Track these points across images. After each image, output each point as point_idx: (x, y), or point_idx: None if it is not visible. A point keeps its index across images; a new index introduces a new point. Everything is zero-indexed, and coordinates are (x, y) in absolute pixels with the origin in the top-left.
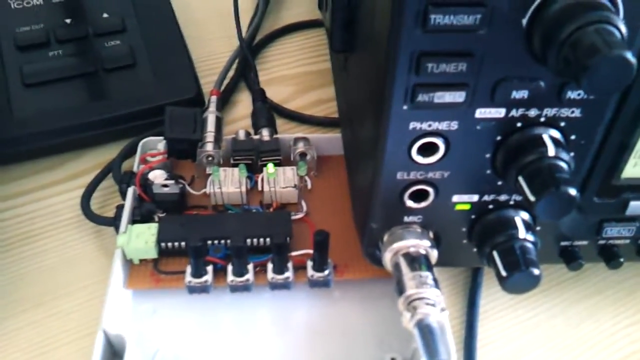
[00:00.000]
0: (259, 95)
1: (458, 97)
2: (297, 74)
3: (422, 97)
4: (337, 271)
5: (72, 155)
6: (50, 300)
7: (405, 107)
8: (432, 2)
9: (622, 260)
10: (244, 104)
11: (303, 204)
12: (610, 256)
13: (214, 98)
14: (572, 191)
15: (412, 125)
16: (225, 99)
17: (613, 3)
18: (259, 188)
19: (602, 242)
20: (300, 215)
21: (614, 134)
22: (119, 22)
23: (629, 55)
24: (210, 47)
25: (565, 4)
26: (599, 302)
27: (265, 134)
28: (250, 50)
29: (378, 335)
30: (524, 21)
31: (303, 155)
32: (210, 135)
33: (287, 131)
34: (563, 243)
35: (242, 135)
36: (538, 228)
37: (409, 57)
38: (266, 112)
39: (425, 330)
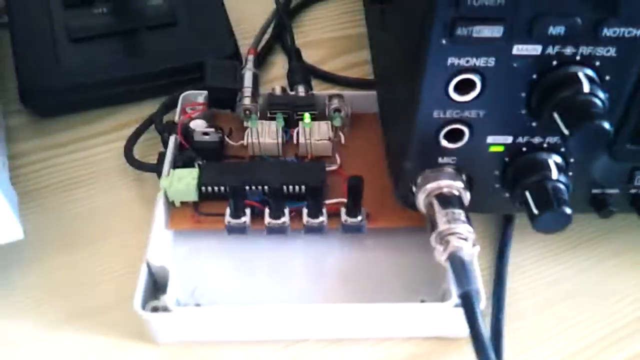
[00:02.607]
0: (294, 54)
1: (496, 31)
2: (331, 37)
3: (461, 31)
4: (369, 219)
5: (114, 109)
6: (95, 241)
7: (444, 42)
8: None
9: None
10: (279, 65)
11: (337, 156)
12: None
13: (250, 56)
14: (606, 125)
15: (450, 60)
16: (261, 60)
17: None
18: (294, 141)
19: (633, 190)
20: (334, 167)
21: None
22: None
23: None
24: (248, 10)
25: None
26: (628, 259)
27: (300, 90)
28: (286, 13)
29: (408, 280)
30: None
31: (337, 111)
32: (247, 91)
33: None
34: (594, 191)
35: (278, 90)
36: (570, 174)
37: None
38: (302, 69)
39: (458, 262)
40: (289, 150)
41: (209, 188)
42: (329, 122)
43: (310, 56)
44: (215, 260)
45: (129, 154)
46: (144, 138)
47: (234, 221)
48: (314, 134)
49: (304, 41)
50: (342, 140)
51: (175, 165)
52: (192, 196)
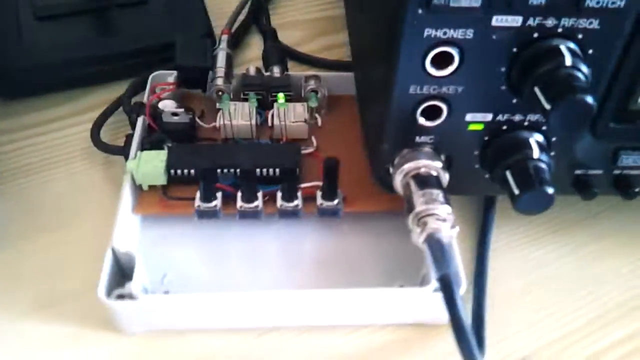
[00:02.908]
0: (270, 34)
1: (474, 1)
2: (308, 19)
3: (438, 0)
4: (346, 203)
5: (82, 90)
6: (61, 226)
7: (420, 11)
8: None
9: (637, 190)
10: (255, 46)
11: (313, 139)
12: (625, 187)
13: (224, 37)
14: (589, 99)
15: (427, 32)
16: (236, 41)
17: None
18: (269, 124)
19: (617, 171)
20: (310, 150)
21: (632, 53)
22: None
23: None
24: None
25: None
26: (610, 245)
27: (276, 70)
28: None
29: (386, 265)
30: None
31: (314, 92)
32: (220, 71)
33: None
34: (577, 172)
35: (252, 71)
36: (552, 153)
37: None
38: (277, 50)
39: (435, 244)
40: (263, 133)
41: (178, 171)
42: (305, 103)
43: (286, 38)
44: (185, 246)
45: (95, 137)
46: (112, 120)
47: (204, 205)
48: (289, 115)
49: (281, 22)
50: (319, 123)
51: (143, 147)
52: (160, 179)
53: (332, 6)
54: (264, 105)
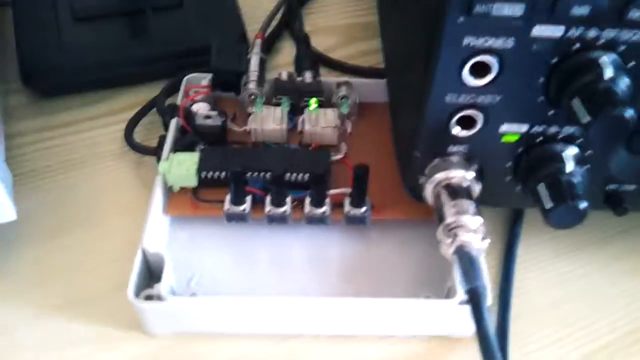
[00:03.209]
0: (302, 40)
1: (517, 10)
2: (341, 25)
3: (479, 8)
4: (374, 210)
5: (117, 91)
6: (92, 225)
7: (461, 19)
8: None
9: None
10: (287, 51)
11: (343, 145)
12: None
13: (258, 41)
14: (629, 113)
15: (466, 40)
16: (269, 46)
17: None
18: (299, 129)
19: None
20: (339, 157)
21: None
22: None
23: None
24: None
25: None
26: (639, 261)
27: (308, 76)
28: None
29: (413, 275)
30: None
31: (345, 99)
32: (253, 75)
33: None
34: (610, 186)
35: (284, 76)
36: (586, 167)
37: None
38: (310, 55)
39: (465, 257)
40: (293, 138)
41: (209, 173)
42: (336, 109)
43: (319, 43)
44: (213, 248)
45: (129, 137)
46: (146, 121)
47: (233, 208)
48: (320, 121)
49: (314, 28)
50: (349, 129)
51: (176, 149)
52: (192, 181)
53: (366, 12)
54: (295, 111)
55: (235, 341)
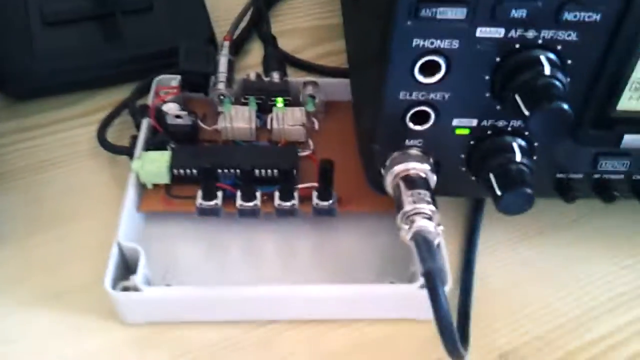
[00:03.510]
0: (270, 41)
1: (459, 13)
2: (308, 27)
3: (425, 12)
4: (340, 203)
5: (88, 93)
6: (68, 222)
7: (409, 23)
8: None
9: (616, 194)
10: (255, 52)
11: (310, 142)
12: (604, 191)
13: (226, 43)
14: (565, 106)
15: (415, 42)
16: (237, 48)
17: None
18: (268, 127)
19: (597, 175)
20: (307, 152)
21: (609, 63)
22: None
23: None
24: None
25: None
26: (595, 246)
27: (275, 76)
28: (264, 1)
29: (378, 263)
30: None
31: (312, 97)
32: (222, 76)
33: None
34: (559, 175)
35: (252, 76)
36: (535, 157)
37: None
38: (277, 56)
39: (421, 241)
40: (262, 136)
41: (181, 170)
42: (303, 108)
43: (286, 45)
44: (186, 242)
45: (102, 137)
46: (119, 121)
47: (205, 203)
48: (288, 119)
49: (281, 29)
50: (316, 127)
51: (147, 148)
52: (164, 178)
53: (331, 15)
54: (264, 109)
55: (211, 328)
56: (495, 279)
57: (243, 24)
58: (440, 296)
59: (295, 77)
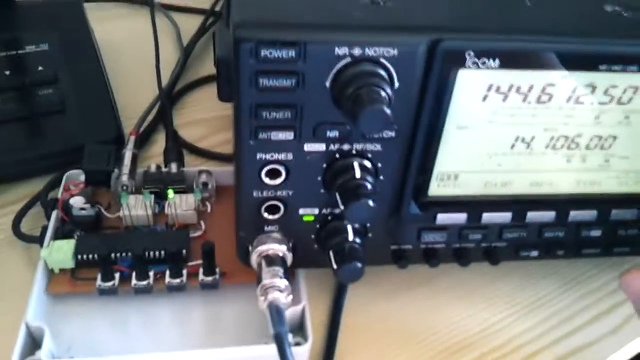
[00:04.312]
0: (171, 135)
1: (288, 135)
2: (210, 117)
3: (262, 135)
4: (225, 276)
5: (4, 187)
6: None
7: (251, 142)
8: (261, 70)
9: (438, 260)
10: (161, 143)
11: (202, 223)
12: (429, 257)
13: (132, 138)
14: (370, 202)
15: (258, 155)
16: (143, 140)
17: (388, 74)
18: (166, 212)
19: (423, 245)
20: (199, 233)
21: (412, 163)
22: (51, 74)
23: (385, 108)
24: (137, 94)
25: (352, 72)
26: (447, 299)
27: (173, 167)
28: (169, 97)
29: (257, 327)
30: (327, 83)
31: (205, 184)
32: (126, 169)
33: (197, 165)
34: (393, 246)
35: (153, 168)
36: (370, 235)
37: (249, 107)
38: (176, 149)
39: (273, 309)
40: (161, 220)
41: (84, 256)
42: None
43: (189, 134)
44: (90, 318)
45: (16, 227)
46: (33, 211)
47: (104, 284)
48: (182, 205)
49: (187, 120)
50: (209, 210)
51: (57, 236)
52: (69, 264)
53: (230, 107)
54: (162, 197)
55: None
56: (358, 332)
57: (151, 117)
58: (287, 354)
59: (194, 164)
